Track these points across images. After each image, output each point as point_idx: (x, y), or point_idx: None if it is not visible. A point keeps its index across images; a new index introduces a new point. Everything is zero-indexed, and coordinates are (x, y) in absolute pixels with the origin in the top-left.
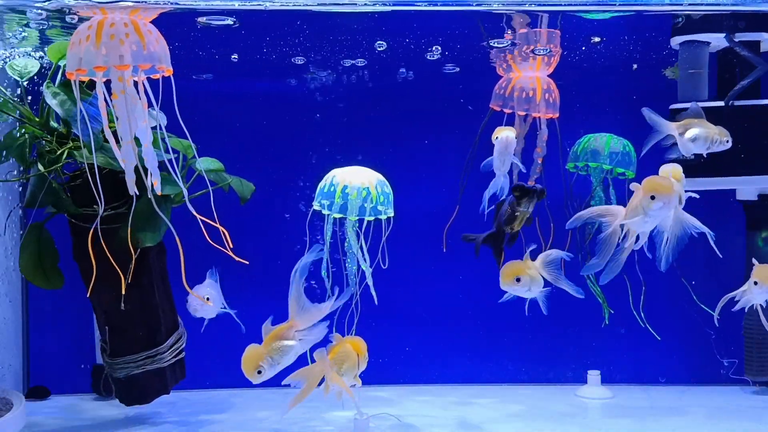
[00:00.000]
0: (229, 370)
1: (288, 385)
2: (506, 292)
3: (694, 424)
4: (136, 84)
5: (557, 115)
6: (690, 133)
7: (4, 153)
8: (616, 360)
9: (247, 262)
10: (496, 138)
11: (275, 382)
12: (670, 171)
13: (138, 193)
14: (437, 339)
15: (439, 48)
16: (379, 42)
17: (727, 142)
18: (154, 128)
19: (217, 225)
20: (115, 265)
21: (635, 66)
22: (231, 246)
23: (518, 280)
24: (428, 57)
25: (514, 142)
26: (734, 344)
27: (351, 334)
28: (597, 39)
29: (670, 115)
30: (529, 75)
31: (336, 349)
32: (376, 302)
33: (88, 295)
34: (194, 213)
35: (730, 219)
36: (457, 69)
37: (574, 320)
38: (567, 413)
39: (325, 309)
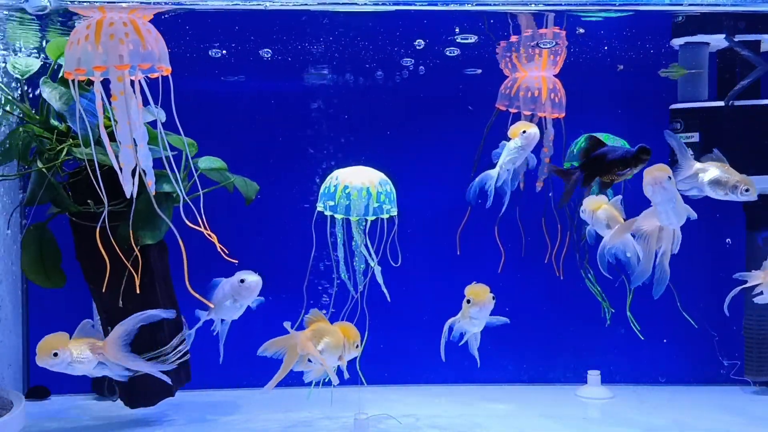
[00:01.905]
0: (235, 372)
1: (291, 385)
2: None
3: (694, 425)
4: (133, 83)
5: (563, 114)
6: (708, 176)
7: (8, 151)
8: (616, 360)
9: (236, 261)
10: (523, 132)
11: (280, 383)
12: (595, 201)
13: (135, 194)
14: (438, 339)
15: (433, 44)
16: (381, 41)
17: (747, 191)
18: (152, 124)
19: (203, 229)
20: (114, 262)
21: (620, 66)
22: (216, 242)
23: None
24: (430, 55)
25: (537, 138)
26: (736, 345)
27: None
28: (582, 30)
29: (670, 115)
30: (535, 75)
31: (315, 324)
32: (389, 299)
33: (104, 292)
34: (184, 215)
35: (730, 219)
36: (479, 71)
37: (574, 320)
38: (567, 413)
39: (132, 364)
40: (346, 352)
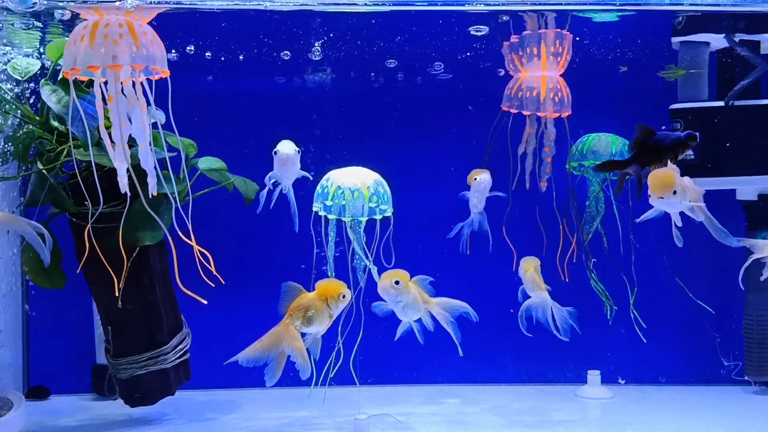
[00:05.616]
0: (234, 371)
1: (291, 385)
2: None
3: (694, 424)
4: (135, 85)
5: (568, 113)
6: None
7: (10, 152)
8: (616, 360)
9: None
10: (475, 179)
11: (281, 382)
12: (528, 263)
13: (133, 194)
14: (437, 339)
15: (440, 48)
16: (381, 41)
17: None
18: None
19: (191, 242)
20: (112, 263)
21: (624, 68)
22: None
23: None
24: (430, 59)
25: (489, 185)
26: (736, 346)
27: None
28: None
29: (670, 115)
30: (536, 75)
31: (291, 307)
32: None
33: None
34: (181, 217)
35: (730, 219)
36: (492, 66)
37: (574, 320)
38: (567, 413)
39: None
40: (335, 309)
